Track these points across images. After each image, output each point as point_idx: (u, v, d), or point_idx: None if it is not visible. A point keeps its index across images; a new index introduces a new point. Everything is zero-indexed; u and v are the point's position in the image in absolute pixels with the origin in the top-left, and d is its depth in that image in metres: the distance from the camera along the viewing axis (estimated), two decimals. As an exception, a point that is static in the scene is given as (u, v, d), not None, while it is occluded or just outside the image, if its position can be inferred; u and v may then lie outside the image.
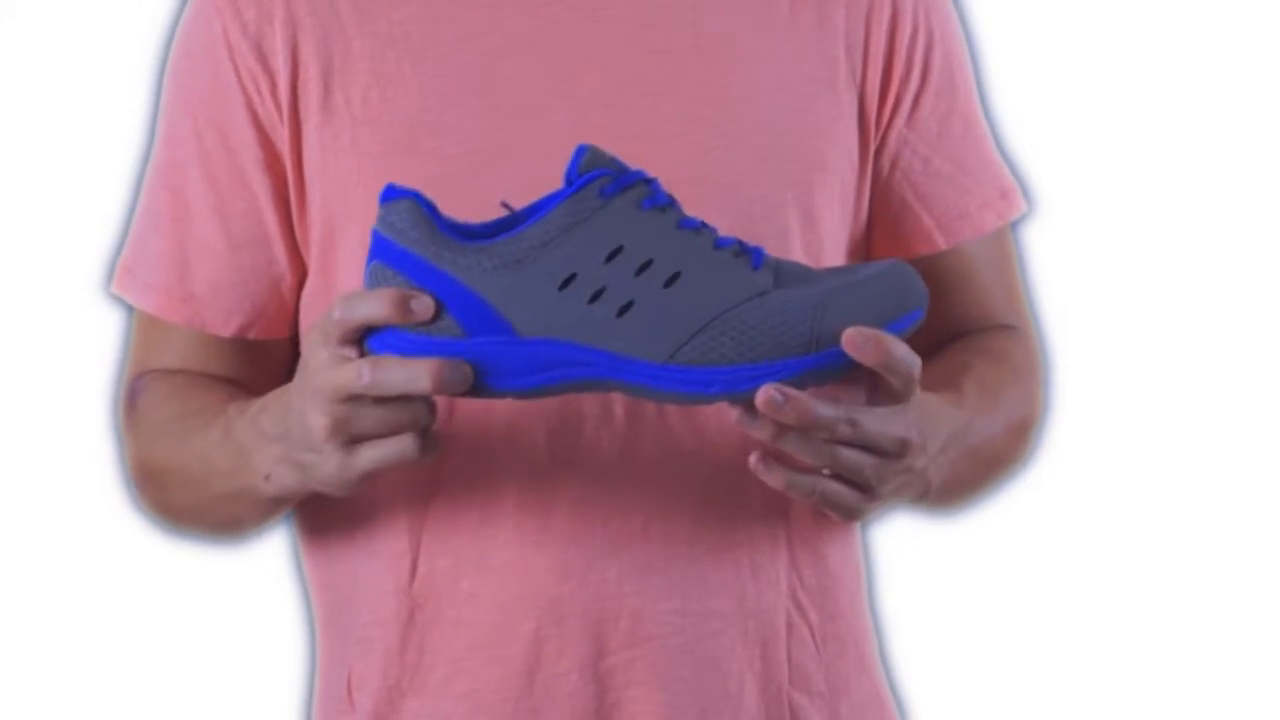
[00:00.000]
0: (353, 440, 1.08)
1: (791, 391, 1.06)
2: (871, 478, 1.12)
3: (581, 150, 1.08)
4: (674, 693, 1.21)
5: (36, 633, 2.19)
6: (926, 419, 1.15)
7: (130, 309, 1.30)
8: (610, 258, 1.07)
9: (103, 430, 1.40)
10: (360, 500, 1.21)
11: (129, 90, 1.62)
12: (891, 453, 1.12)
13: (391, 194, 1.08)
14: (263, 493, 1.17)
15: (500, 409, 1.18)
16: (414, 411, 1.07)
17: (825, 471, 1.12)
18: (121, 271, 1.29)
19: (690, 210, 1.11)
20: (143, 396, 1.27)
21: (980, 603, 2.29)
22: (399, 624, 1.22)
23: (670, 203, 1.09)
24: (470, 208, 1.12)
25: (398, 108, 1.20)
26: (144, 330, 1.29)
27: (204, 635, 2.17)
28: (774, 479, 1.11)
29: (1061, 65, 2.29)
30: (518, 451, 1.19)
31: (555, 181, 1.10)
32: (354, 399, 1.07)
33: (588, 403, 1.19)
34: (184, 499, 1.25)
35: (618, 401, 1.19)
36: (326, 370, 1.07)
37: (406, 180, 1.09)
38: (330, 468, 1.09)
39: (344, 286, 1.19)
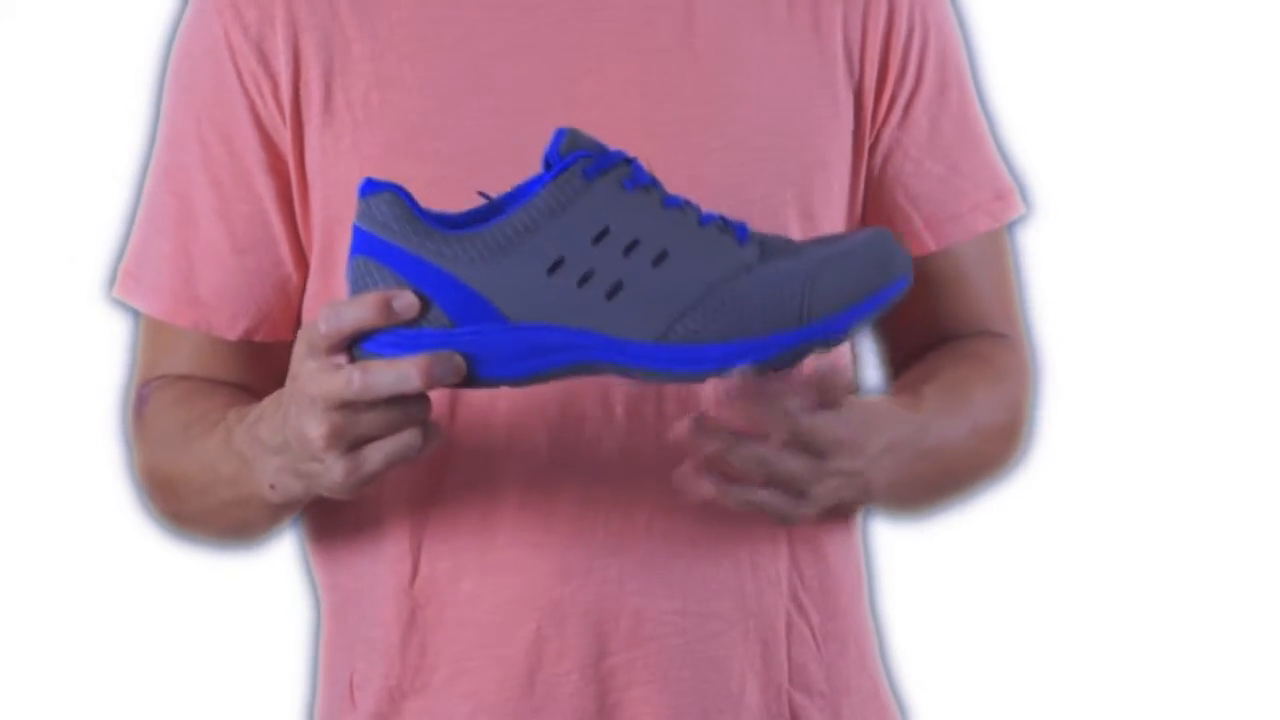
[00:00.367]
0: (353, 445, 1.07)
1: (769, 382, 1.06)
2: (805, 483, 1.11)
3: (561, 133, 1.06)
4: (675, 693, 1.21)
5: (42, 635, 2.20)
6: (866, 421, 1.15)
7: (136, 314, 1.30)
8: (597, 239, 1.05)
9: (112, 435, 1.39)
10: (363, 502, 1.21)
11: (129, 92, 1.62)
12: (826, 452, 1.11)
13: (370, 187, 1.05)
14: (268, 499, 1.17)
15: (501, 410, 1.18)
16: (410, 409, 1.06)
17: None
18: (125, 276, 1.28)
19: (690, 211, 1.11)
20: (150, 404, 1.27)
21: (980, 602, 2.28)
22: (401, 624, 1.22)
23: (653, 182, 1.08)
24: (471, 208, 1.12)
25: (398, 109, 1.20)
26: (150, 335, 1.29)
27: (207, 634, 2.17)
28: (703, 490, 1.10)
29: (1061, 65, 2.29)
30: (519, 452, 1.19)
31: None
32: (348, 405, 1.05)
33: (588, 403, 1.19)
34: (193, 505, 1.25)
35: (618, 401, 1.19)
36: (316, 380, 1.05)
37: (407, 181, 1.08)
38: (335, 475, 1.08)
39: (344, 288, 1.19)
